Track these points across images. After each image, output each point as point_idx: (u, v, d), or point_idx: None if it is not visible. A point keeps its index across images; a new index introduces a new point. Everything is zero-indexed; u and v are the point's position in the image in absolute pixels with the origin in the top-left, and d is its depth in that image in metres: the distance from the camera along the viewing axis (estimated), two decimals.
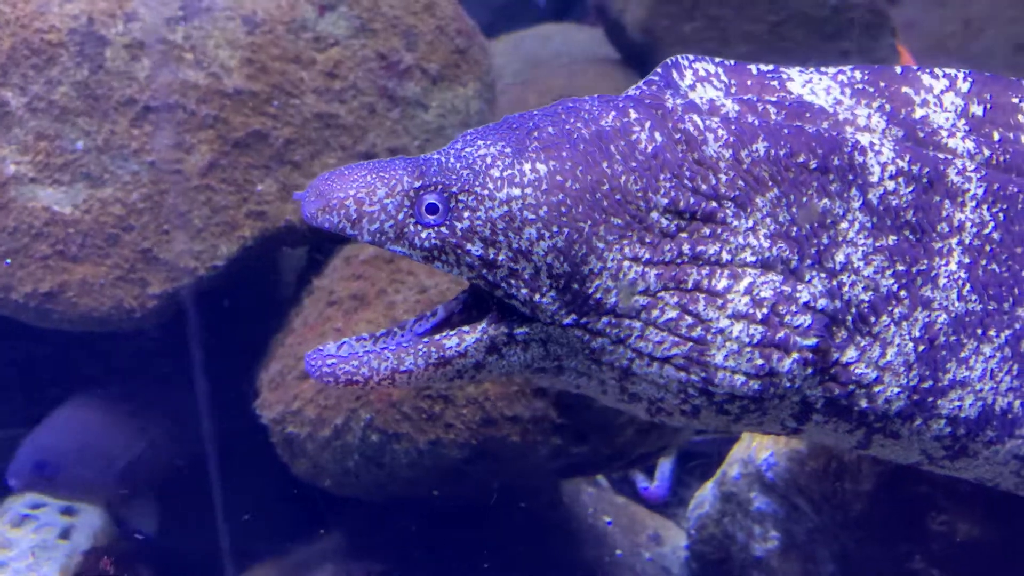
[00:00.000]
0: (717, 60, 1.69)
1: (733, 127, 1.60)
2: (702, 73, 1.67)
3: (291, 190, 2.66)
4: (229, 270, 2.64)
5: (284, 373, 2.44)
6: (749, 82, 1.69)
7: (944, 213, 1.66)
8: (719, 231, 1.58)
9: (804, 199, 1.61)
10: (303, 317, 2.56)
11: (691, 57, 1.69)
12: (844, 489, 2.20)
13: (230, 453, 2.71)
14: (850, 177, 1.62)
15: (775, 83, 1.69)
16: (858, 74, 1.71)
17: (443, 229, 1.53)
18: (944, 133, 1.70)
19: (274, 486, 2.66)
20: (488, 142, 1.57)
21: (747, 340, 1.57)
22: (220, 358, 2.72)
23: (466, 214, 1.53)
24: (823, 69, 1.70)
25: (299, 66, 2.71)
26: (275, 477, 2.61)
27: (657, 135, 1.58)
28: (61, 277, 2.55)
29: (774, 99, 1.67)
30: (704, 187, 1.58)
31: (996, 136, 1.72)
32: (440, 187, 1.53)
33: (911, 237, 1.64)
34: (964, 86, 1.72)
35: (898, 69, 1.72)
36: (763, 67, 1.70)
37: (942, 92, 1.71)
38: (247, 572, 2.91)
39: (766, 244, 1.58)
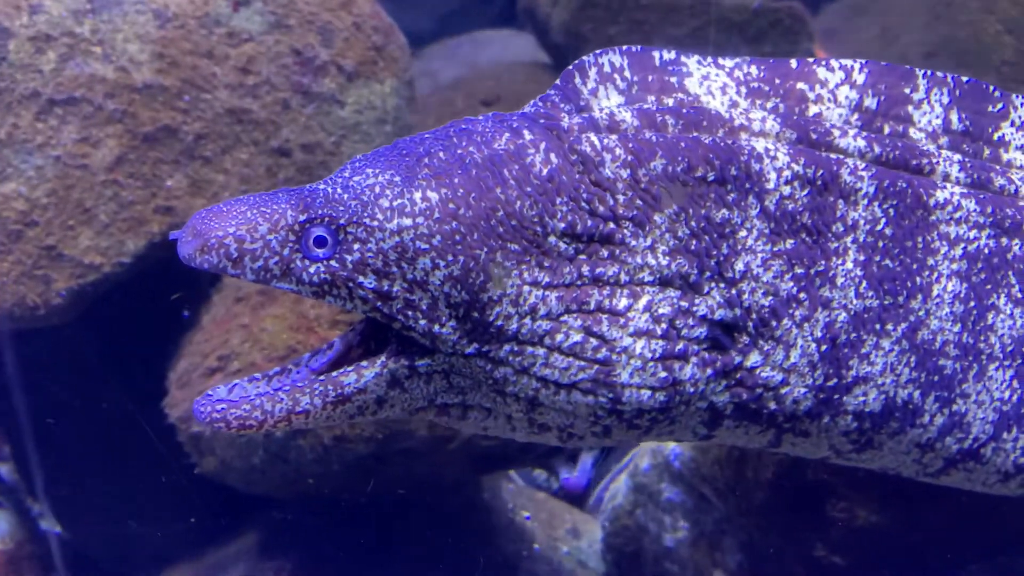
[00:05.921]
0: (624, 49, 1.68)
1: (631, 145, 1.61)
2: (607, 69, 1.66)
3: (201, 185, 2.63)
4: (137, 266, 2.60)
5: (191, 371, 2.41)
6: (650, 78, 1.68)
7: (839, 213, 1.68)
8: (617, 252, 1.58)
9: (703, 211, 1.62)
10: (212, 314, 2.53)
11: (597, 52, 1.67)
12: (746, 478, 2.24)
13: (141, 453, 2.66)
14: (747, 185, 1.64)
15: (674, 80, 1.69)
16: (754, 70, 1.71)
17: (332, 263, 1.48)
18: (837, 133, 1.71)
19: (188, 486, 2.62)
20: (377, 170, 1.53)
21: (649, 356, 1.58)
22: (130, 356, 2.68)
23: (356, 246, 1.49)
24: (721, 62, 1.71)
25: (211, 61, 2.68)
26: (187, 477, 2.57)
27: (553, 157, 1.57)
28: None
29: (672, 105, 1.68)
30: (601, 209, 1.58)
31: (887, 130, 1.75)
32: (327, 219, 1.48)
33: (808, 239, 1.67)
34: (860, 78, 1.74)
35: (794, 63, 1.73)
36: (666, 56, 1.70)
37: (837, 86, 1.73)
38: (163, 574, 2.86)
39: (664, 261, 1.60)
